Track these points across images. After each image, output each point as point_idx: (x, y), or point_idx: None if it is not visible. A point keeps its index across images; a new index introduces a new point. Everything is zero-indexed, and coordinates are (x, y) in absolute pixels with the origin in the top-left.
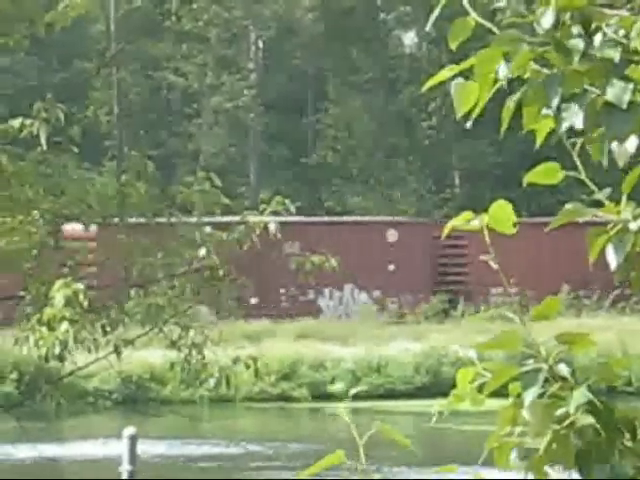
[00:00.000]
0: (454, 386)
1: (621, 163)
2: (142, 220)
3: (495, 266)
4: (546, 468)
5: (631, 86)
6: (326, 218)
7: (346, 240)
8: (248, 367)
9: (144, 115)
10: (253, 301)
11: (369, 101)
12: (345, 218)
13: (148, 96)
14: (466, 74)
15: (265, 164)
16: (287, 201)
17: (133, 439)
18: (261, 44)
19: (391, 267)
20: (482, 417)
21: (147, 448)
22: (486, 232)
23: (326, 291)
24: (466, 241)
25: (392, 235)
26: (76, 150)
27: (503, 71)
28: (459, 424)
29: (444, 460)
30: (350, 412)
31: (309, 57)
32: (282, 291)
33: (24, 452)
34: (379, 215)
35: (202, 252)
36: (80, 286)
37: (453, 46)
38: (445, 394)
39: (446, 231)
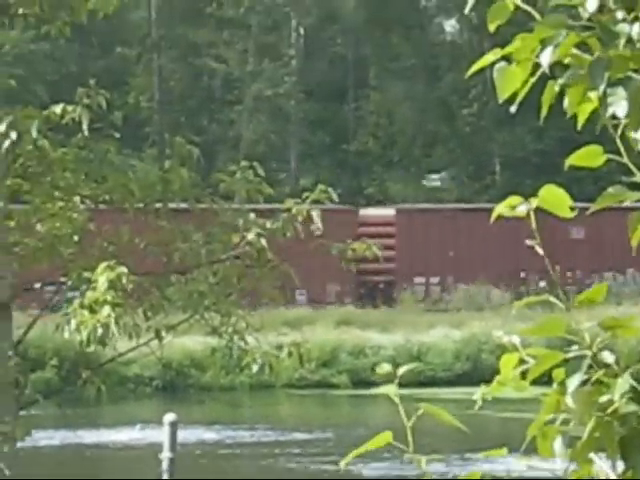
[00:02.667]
0: (496, 373)
1: None
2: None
3: (541, 252)
4: (592, 455)
5: None
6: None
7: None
8: (291, 354)
9: (184, 102)
10: (542, 284)
11: (410, 88)
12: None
13: (189, 83)
14: (509, 59)
15: (305, 151)
16: (330, 189)
17: (173, 425)
18: (302, 31)
19: None
20: (524, 404)
21: (188, 435)
22: (533, 217)
23: (609, 275)
24: None
25: None
26: (117, 136)
27: (546, 56)
28: (501, 411)
29: (486, 447)
30: (395, 397)
31: (350, 44)
32: (569, 274)
33: (64, 438)
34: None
35: (250, 236)
36: (124, 269)
37: (491, 28)
38: (485, 381)
39: (493, 217)
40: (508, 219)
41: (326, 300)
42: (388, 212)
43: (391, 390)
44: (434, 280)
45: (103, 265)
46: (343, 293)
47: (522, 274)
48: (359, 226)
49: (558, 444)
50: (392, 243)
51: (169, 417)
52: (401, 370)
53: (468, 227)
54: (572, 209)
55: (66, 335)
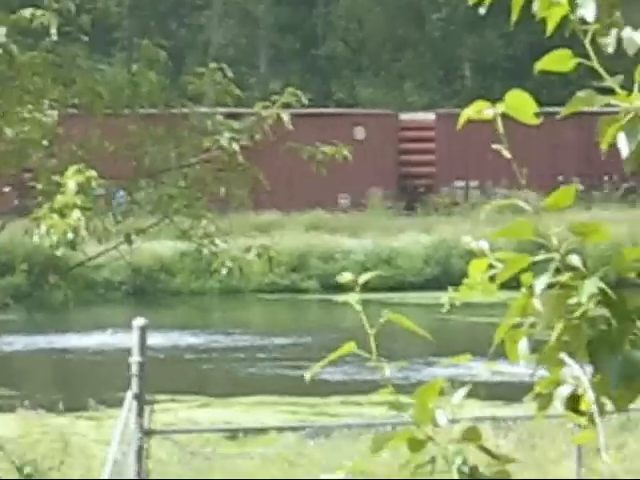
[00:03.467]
0: (465, 277)
1: (631, 52)
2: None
3: (508, 155)
4: (562, 355)
5: None
6: None
7: None
8: (260, 256)
9: (154, 6)
10: (581, 187)
11: None
12: None
13: None
14: None
15: (275, 55)
16: (299, 92)
17: (143, 330)
18: None
19: None
20: (492, 309)
21: (158, 339)
22: (500, 122)
23: None
24: None
25: None
26: (86, 40)
27: None
28: (469, 316)
29: (454, 352)
30: (360, 303)
31: None
32: (605, 178)
33: (34, 343)
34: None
35: (223, 140)
36: (93, 173)
37: None
38: (454, 285)
39: (461, 122)
40: (544, 124)
41: (368, 203)
42: (428, 116)
43: (353, 298)
44: (473, 184)
45: (73, 168)
46: (385, 197)
47: (560, 178)
48: (400, 130)
49: (523, 346)
50: (432, 147)
51: (138, 321)
52: (362, 278)
53: (510, 130)
54: (537, 115)
55: (35, 239)
